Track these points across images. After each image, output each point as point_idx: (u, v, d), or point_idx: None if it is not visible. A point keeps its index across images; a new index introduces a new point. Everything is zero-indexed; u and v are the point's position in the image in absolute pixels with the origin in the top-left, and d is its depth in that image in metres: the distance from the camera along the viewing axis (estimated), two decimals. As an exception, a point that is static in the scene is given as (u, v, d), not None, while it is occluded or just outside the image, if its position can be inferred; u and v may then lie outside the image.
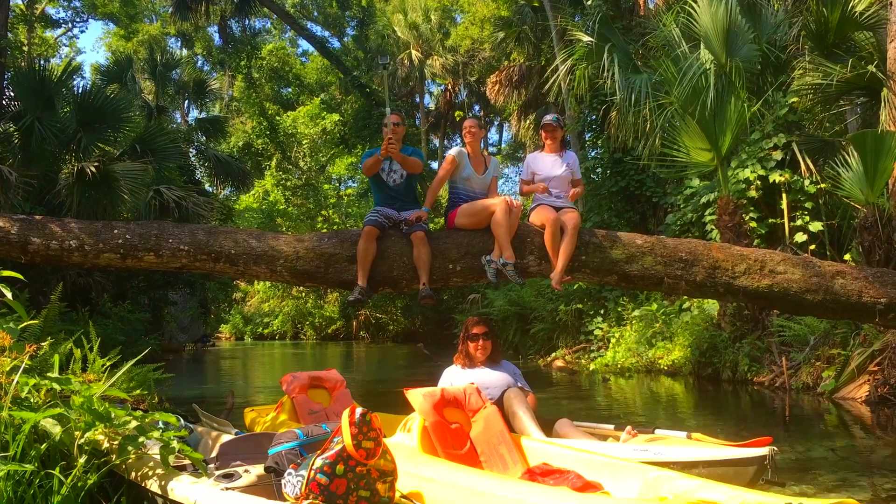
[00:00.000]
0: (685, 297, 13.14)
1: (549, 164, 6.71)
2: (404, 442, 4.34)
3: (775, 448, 4.08)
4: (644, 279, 7.13)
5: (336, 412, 5.50)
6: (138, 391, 6.37)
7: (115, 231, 6.47)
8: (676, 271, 6.96)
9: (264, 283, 35.76)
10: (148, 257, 6.47)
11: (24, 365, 3.38)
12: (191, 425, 4.69)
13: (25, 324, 3.95)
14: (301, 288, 34.68)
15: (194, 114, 34.10)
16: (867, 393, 8.31)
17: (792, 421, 7.84)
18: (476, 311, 19.89)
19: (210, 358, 21.36)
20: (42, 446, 3.22)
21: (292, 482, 3.37)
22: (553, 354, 16.47)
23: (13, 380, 3.29)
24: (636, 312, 14.43)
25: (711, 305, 12.32)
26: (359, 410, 3.40)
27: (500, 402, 5.07)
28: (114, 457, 3.49)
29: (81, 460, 3.27)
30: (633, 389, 11.57)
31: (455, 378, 5.37)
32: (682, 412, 8.80)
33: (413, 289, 6.63)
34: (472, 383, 4.90)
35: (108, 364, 5.56)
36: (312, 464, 3.32)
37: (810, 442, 6.38)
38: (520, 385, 5.40)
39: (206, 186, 23.18)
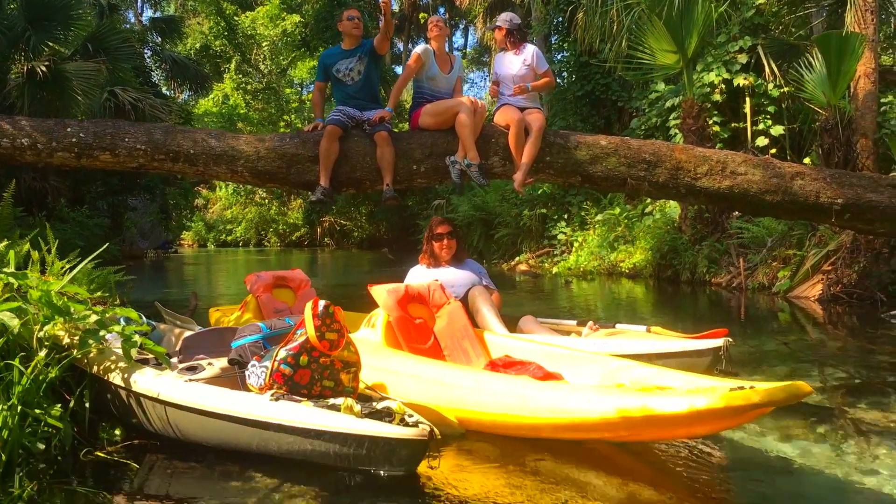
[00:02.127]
0: (647, 200, 13.26)
1: (508, 63, 6.60)
2: (368, 337, 4.39)
3: (730, 339, 4.20)
4: (607, 180, 7.15)
5: (301, 311, 5.52)
6: (99, 293, 6.29)
7: (69, 129, 6.28)
8: (640, 172, 6.99)
9: (226, 190, 35.32)
10: (103, 156, 6.31)
11: (-23, 259, 3.32)
12: (153, 323, 4.68)
13: (-23, 219, 3.85)
14: (264, 194, 34.30)
15: (148, 13, 32.80)
16: (820, 292, 8.56)
17: (747, 319, 8.06)
18: (441, 216, 19.89)
19: (173, 265, 21.21)
20: (0, 340, 3.19)
21: (256, 373, 3.40)
22: (517, 259, 16.62)
23: (-33, 274, 3.23)
24: (599, 217, 14.55)
25: (673, 209, 12.45)
26: (322, 303, 3.42)
27: (464, 300, 5.12)
28: (75, 351, 3.48)
29: (42, 354, 3.25)
30: (595, 291, 11.77)
31: (420, 277, 5.39)
32: (642, 312, 8.99)
33: (377, 189, 6.60)
34: (436, 280, 4.93)
35: (67, 267, 5.47)
36: (276, 355, 3.35)
37: (764, 337, 6.58)
38: (485, 283, 5.44)
39: (164, 90, 22.51)
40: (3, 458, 2.91)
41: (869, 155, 9.47)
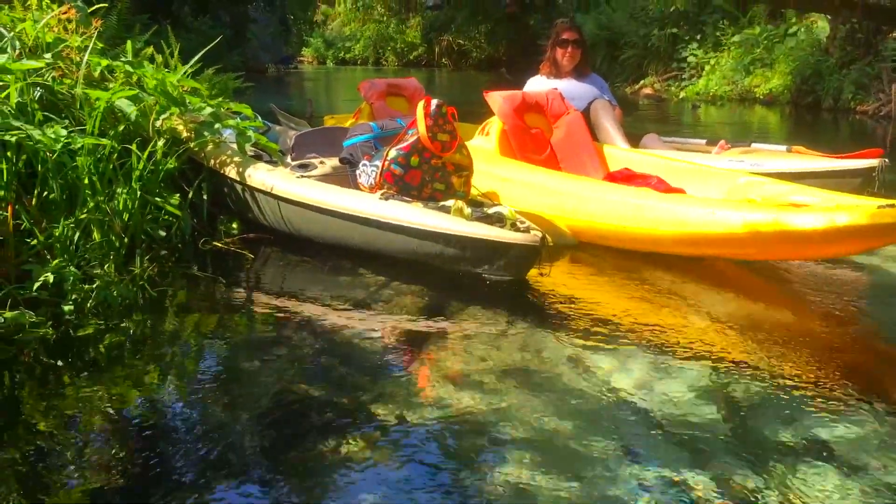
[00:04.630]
0: (792, 19, 12.15)
1: None
2: (482, 145, 4.24)
3: (886, 160, 3.81)
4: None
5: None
6: (220, 98, 6.35)
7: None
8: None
9: (345, 5, 34.79)
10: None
11: (92, 44, 3.31)
12: (269, 124, 4.68)
13: (96, 7, 3.82)
14: (383, 10, 33.60)
15: None
16: None
17: (894, 148, 7.42)
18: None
19: (293, 79, 21.38)
20: (120, 126, 3.23)
21: (367, 172, 3.35)
22: (641, 82, 15.79)
23: (83, 59, 3.23)
24: (736, 37, 13.46)
25: (820, 28, 11.37)
26: (434, 101, 3.27)
27: (585, 114, 4.83)
28: (191, 143, 3.50)
29: (160, 143, 3.29)
30: (725, 117, 11.12)
31: (539, 87, 5.10)
32: (776, 139, 8.40)
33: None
34: (555, 89, 4.66)
35: (190, 71, 5.50)
36: (387, 155, 3.27)
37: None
38: (607, 98, 5.11)
39: None
40: (126, 240, 3.01)
41: None
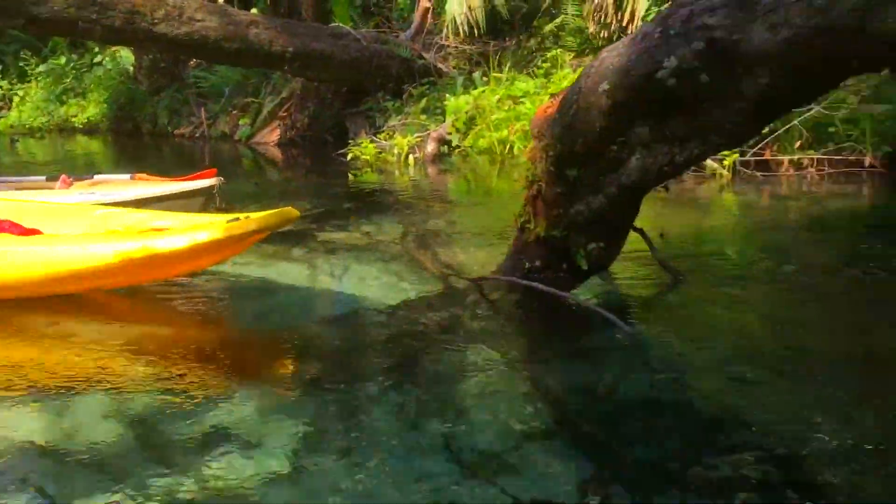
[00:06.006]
0: (96, 49, 12.42)
1: None
2: None
3: (222, 178, 4.39)
4: (56, 23, 6.71)
5: None
6: None
7: None
8: (91, 15, 6.65)
9: None
10: None
11: None
12: None
13: None
14: None
15: None
16: (278, 136, 9.21)
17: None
18: None
19: None
20: None
21: None
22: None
23: None
24: (41, 67, 13.14)
25: (126, 58, 11.91)
26: None
27: None
28: None
29: None
30: (48, 150, 10.89)
31: None
32: (105, 167, 8.63)
33: None
34: None
35: None
36: None
37: (235, 180, 6.91)
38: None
39: None
40: None
41: (310, 5, 10.06)
